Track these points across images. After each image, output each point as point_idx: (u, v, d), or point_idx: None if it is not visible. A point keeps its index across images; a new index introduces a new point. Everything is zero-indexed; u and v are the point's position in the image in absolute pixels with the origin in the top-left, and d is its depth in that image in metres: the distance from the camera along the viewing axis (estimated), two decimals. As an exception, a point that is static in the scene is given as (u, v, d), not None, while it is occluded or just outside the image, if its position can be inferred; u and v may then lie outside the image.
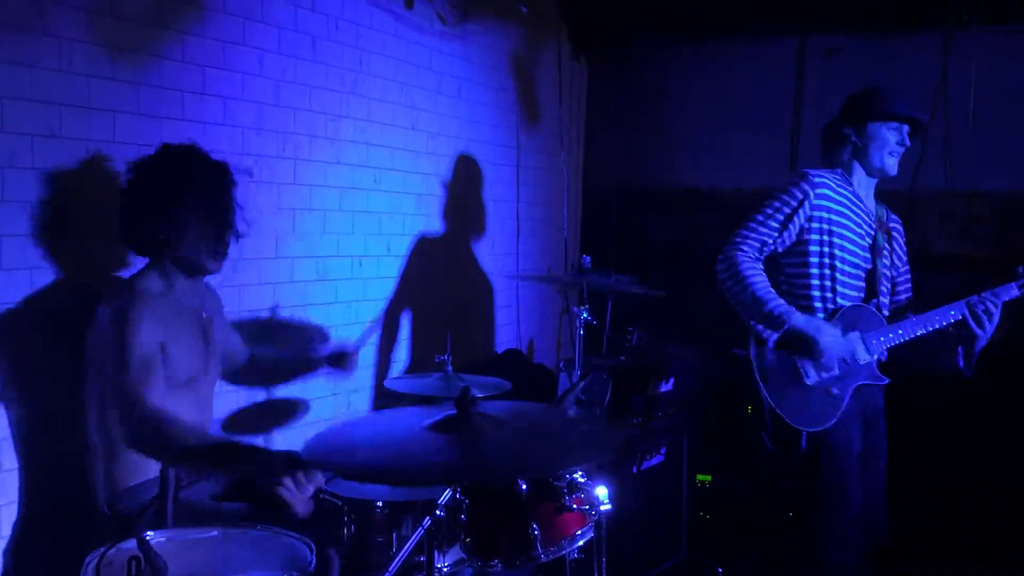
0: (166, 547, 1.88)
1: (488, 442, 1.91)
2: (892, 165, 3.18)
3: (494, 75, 4.82)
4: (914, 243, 4.73)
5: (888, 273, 3.25)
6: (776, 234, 3.10)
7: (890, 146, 3.14)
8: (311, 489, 2.22)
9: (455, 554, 2.43)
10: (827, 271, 3.12)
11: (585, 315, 3.34)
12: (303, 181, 3.64)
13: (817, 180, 3.11)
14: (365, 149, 3.95)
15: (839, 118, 3.24)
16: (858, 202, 3.19)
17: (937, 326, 3.12)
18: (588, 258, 3.29)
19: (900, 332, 3.12)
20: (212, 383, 2.75)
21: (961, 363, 3.13)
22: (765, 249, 3.12)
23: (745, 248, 3.08)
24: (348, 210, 3.89)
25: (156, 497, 2.28)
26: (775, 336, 3.04)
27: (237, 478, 2.68)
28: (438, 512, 2.03)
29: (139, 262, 2.69)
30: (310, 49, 3.63)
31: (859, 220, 3.17)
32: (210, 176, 2.60)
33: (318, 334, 3.74)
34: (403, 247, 4.23)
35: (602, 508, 2.37)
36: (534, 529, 2.27)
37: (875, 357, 3.11)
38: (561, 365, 3.93)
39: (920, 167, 4.65)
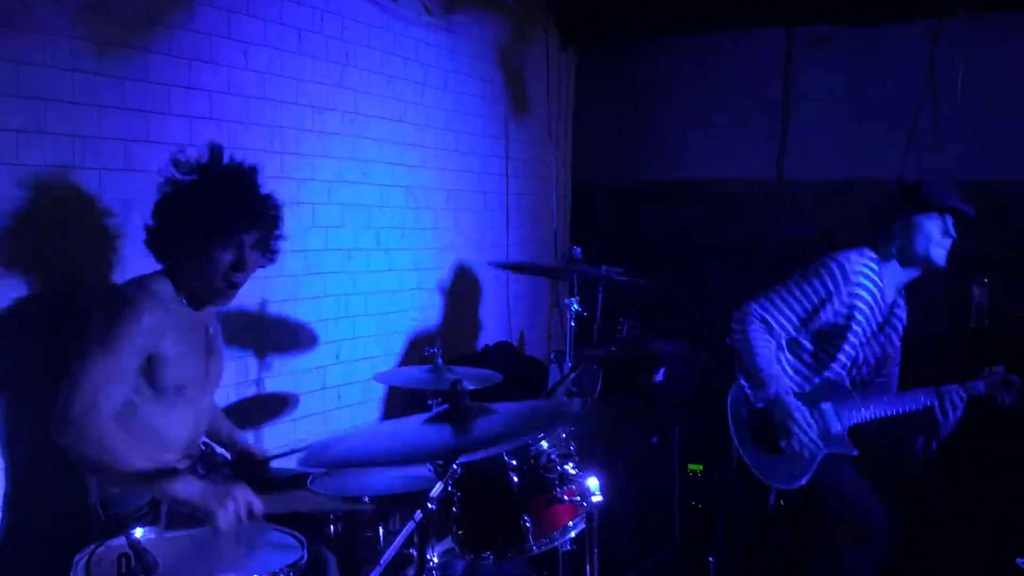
0: (156, 544, 1.88)
1: (478, 425, 1.90)
2: (941, 256, 3.19)
3: (482, 67, 4.80)
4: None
5: (871, 361, 3.33)
6: (799, 319, 3.20)
7: (936, 239, 3.16)
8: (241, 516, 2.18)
9: (445, 547, 2.44)
10: (829, 351, 3.23)
11: (575, 307, 3.33)
12: (291, 175, 3.63)
13: (853, 279, 3.16)
14: (353, 142, 3.94)
15: (884, 209, 3.27)
16: (881, 297, 3.24)
17: (907, 409, 3.20)
18: (579, 249, 3.29)
19: (872, 409, 3.22)
20: (209, 395, 2.67)
21: (919, 448, 3.28)
22: (785, 329, 3.21)
23: (765, 319, 3.18)
24: (336, 203, 3.88)
25: (152, 501, 2.27)
26: (760, 404, 3.15)
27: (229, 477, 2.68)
28: (429, 505, 2.02)
29: (132, 264, 2.64)
30: (296, 42, 3.61)
31: (873, 312, 3.24)
32: (260, 209, 2.51)
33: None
34: (392, 240, 4.22)
35: (593, 499, 2.37)
36: (526, 521, 2.27)
37: (845, 429, 3.19)
38: (552, 357, 3.93)
39: (909, 157, 4.67)
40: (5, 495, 2.64)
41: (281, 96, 3.55)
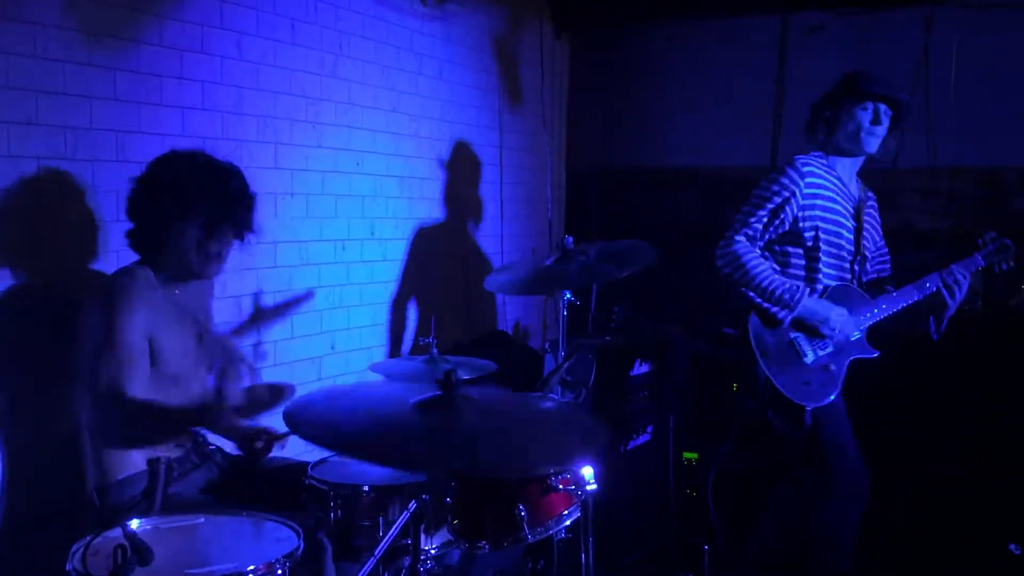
0: (152, 535, 1.89)
1: (474, 432, 1.88)
2: (870, 143, 3.26)
3: (476, 56, 4.79)
4: (897, 219, 4.76)
5: (866, 253, 3.38)
6: (767, 223, 3.24)
7: (865, 127, 3.22)
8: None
9: (443, 536, 2.45)
10: (812, 254, 3.27)
11: (569, 296, 3.33)
12: (284, 165, 3.62)
13: (806, 170, 3.24)
14: (347, 132, 3.93)
15: (819, 102, 3.33)
16: (842, 187, 3.31)
17: (915, 299, 3.31)
18: (571, 239, 3.28)
19: (884, 307, 3.32)
20: (202, 383, 2.70)
21: (932, 328, 3.34)
22: (762, 234, 3.26)
23: (740, 238, 3.24)
24: (330, 194, 3.87)
25: (146, 490, 2.28)
26: (789, 317, 3.21)
27: (227, 467, 2.69)
28: (424, 495, 2.03)
29: (125, 254, 2.66)
30: (289, 31, 3.60)
31: (843, 205, 3.30)
32: (212, 182, 2.58)
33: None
34: (387, 230, 4.21)
35: (588, 488, 2.38)
36: (521, 510, 2.28)
37: (863, 332, 3.28)
38: (546, 346, 3.93)
39: (902, 144, 4.67)
40: (2, 485, 2.64)
41: (274, 86, 3.54)
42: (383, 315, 4.24)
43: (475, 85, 4.80)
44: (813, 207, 3.23)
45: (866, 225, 3.37)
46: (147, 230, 2.57)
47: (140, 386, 2.39)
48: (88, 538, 1.77)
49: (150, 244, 2.57)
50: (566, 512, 2.37)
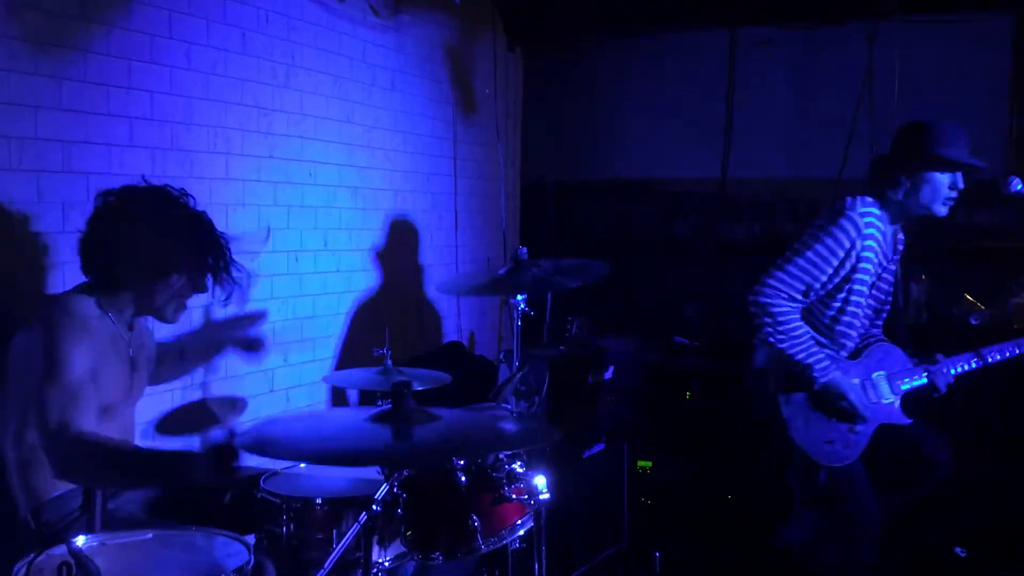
0: (99, 551, 1.85)
1: (423, 430, 1.91)
2: (942, 210, 3.09)
3: (429, 67, 4.80)
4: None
5: (885, 299, 3.26)
6: (825, 279, 3.02)
7: (943, 194, 3.06)
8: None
9: (397, 549, 2.44)
10: (842, 305, 3.10)
11: (523, 305, 3.35)
12: (236, 176, 3.59)
13: (867, 231, 3.02)
14: (299, 143, 3.91)
15: (893, 154, 3.13)
16: (884, 241, 3.13)
17: (970, 368, 3.19)
18: (524, 249, 3.30)
19: (926, 376, 3.16)
20: (133, 407, 2.66)
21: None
22: (809, 293, 3.04)
23: (785, 295, 3.00)
24: (283, 205, 3.85)
25: (83, 507, 2.23)
26: (816, 387, 3.03)
27: (168, 492, 2.64)
28: (374, 507, 2.02)
29: (71, 269, 2.59)
30: (240, 42, 3.58)
31: (880, 259, 3.13)
32: (190, 228, 2.51)
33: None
34: (340, 241, 4.20)
35: (541, 497, 2.39)
36: (474, 520, 2.29)
37: (899, 398, 3.15)
38: (501, 356, 3.95)
39: (848, 157, 4.77)
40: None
41: (225, 97, 3.52)
42: (337, 326, 4.21)
43: (428, 96, 4.80)
44: (859, 261, 3.03)
45: (885, 275, 3.19)
46: (104, 271, 2.46)
47: (86, 418, 2.32)
48: (31, 556, 1.73)
49: (105, 281, 2.47)
50: (519, 522, 2.38)
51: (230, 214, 3.57)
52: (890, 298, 3.28)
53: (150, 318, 2.69)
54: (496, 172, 5.38)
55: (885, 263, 3.16)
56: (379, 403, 3.14)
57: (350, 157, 4.23)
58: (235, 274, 2.60)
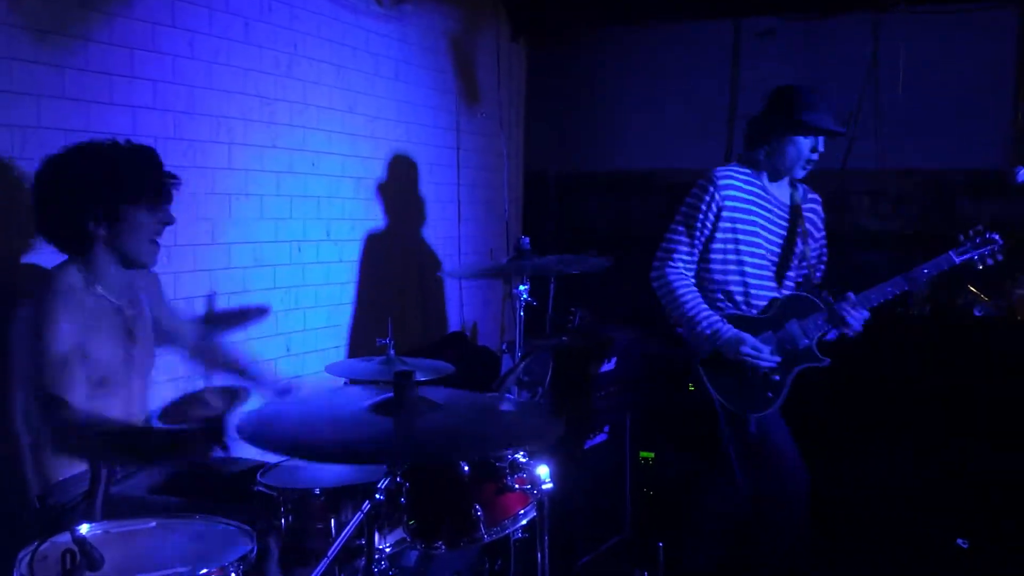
0: (102, 539, 1.86)
1: (426, 424, 1.91)
2: (803, 172, 3.33)
3: (432, 57, 4.78)
4: (846, 221, 4.84)
5: (799, 254, 3.40)
6: (693, 238, 3.29)
7: (804, 156, 3.28)
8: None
9: (398, 536, 2.44)
10: (735, 264, 3.30)
11: (525, 296, 3.34)
12: (238, 166, 3.59)
13: (723, 183, 3.27)
14: (302, 132, 3.90)
15: (761, 116, 3.34)
16: (766, 195, 3.34)
17: (875, 302, 3.27)
18: (527, 239, 3.30)
19: (828, 315, 3.28)
20: (142, 379, 2.64)
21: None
22: (692, 254, 3.31)
23: (673, 261, 3.30)
24: (286, 194, 3.84)
25: (87, 492, 2.24)
26: (706, 348, 3.25)
27: (173, 471, 2.64)
28: (377, 496, 2.02)
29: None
30: (243, 30, 3.57)
31: (767, 212, 3.33)
32: (137, 165, 2.50)
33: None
34: (343, 231, 4.19)
35: (544, 487, 2.38)
36: (477, 510, 2.28)
37: (813, 342, 3.27)
38: (504, 347, 3.94)
39: (852, 147, 4.76)
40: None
41: (228, 86, 3.51)
42: (339, 316, 4.21)
43: (432, 86, 4.79)
44: (732, 217, 3.27)
45: (807, 227, 3.40)
46: (64, 226, 2.47)
47: (77, 393, 2.32)
48: (35, 544, 1.74)
49: (79, 239, 2.47)
50: (522, 511, 2.37)
51: (232, 203, 3.57)
52: (814, 248, 3.45)
53: (141, 293, 2.69)
54: (499, 163, 5.37)
55: (773, 217, 3.34)
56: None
57: (353, 147, 4.22)
58: (168, 180, 2.57)
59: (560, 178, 5.67)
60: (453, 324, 5.00)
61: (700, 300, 3.28)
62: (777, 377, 3.24)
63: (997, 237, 3.23)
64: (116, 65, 3.04)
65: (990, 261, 3.22)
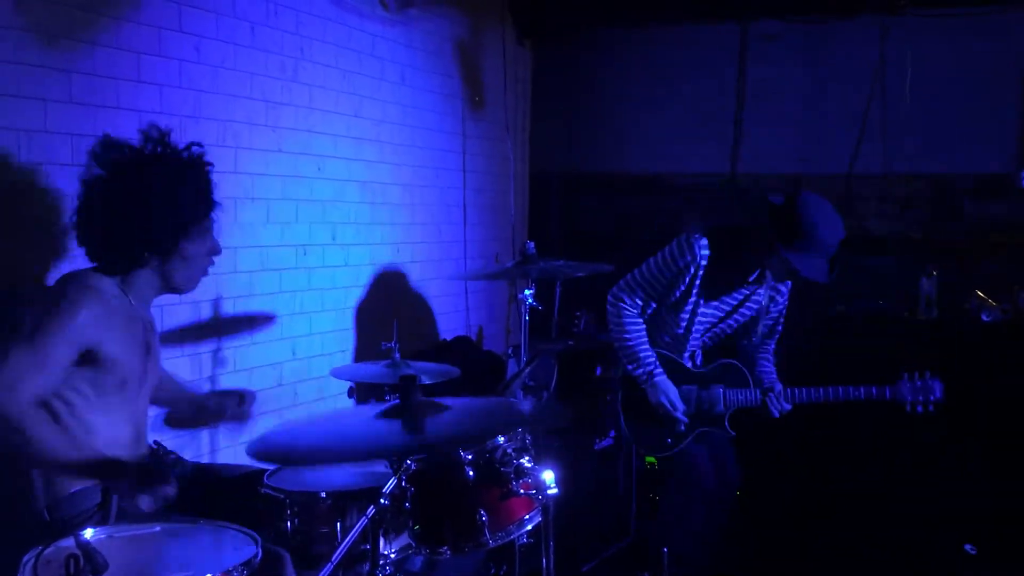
0: (106, 544, 1.86)
1: (430, 422, 1.91)
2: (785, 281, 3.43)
3: (438, 61, 4.79)
4: (853, 225, 4.83)
5: (749, 326, 3.53)
6: (659, 293, 3.39)
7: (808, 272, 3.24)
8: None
9: (403, 542, 2.43)
10: (687, 315, 3.41)
11: (531, 300, 3.34)
12: (244, 170, 3.59)
13: (703, 261, 3.31)
14: (307, 137, 3.91)
15: (760, 226, 3.30)
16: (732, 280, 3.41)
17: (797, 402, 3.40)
18: (532, 244, 3.30)
19: (754, 396, 3.43)
20: (147, 396, 2.59)
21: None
22: (651, 305, 3.42)
23: (634, 297, 3.39)
24: (291, 199, 3.85)
25: (101, 503, 2.23)
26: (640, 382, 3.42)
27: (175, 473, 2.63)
28: (382, 500, 2.02)
29: (83, 262, 2.51)
30: (249, 35, 3.57)
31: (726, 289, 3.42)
32: (200, 194, 2.44)
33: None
34: (348, 235, 4.19)
35: (549, 492, 2.37)
36: (482, 515, 2.27)
37: (728, 411, 3.43)
38: (509, 351, 3.94)
39: (859, 151, 4.75)
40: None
41: (234, 90, 3.51)
42: (345, 320, 4.21)
43: (437, 90, 4.79)
44: (703, 284, 3.35)
45: (765, 304, 3.46)
46: (112, 250, 2.38)
47: (46, 382, 2.22)
48: (39, 548, 1.74)
49: (117, 265, 2.39)
50: (527, 517, 2.36)
51: (238, 208, 3.57)
52: (748, 323, 3.53)
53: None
54: (505, 166, 5.37)
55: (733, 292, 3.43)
56: (387, 398, 3.15)
57: (358, 151, 4.22)
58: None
59: (566, 181, 5.67)
60: (459, 328, 4.99)
61: (644, 339, 3.41)
62: (683, 428, 3.41)
63: (938, 386, 3.30)
64: (123, 69, 3.04)
65: (920, 409, 3.32)
